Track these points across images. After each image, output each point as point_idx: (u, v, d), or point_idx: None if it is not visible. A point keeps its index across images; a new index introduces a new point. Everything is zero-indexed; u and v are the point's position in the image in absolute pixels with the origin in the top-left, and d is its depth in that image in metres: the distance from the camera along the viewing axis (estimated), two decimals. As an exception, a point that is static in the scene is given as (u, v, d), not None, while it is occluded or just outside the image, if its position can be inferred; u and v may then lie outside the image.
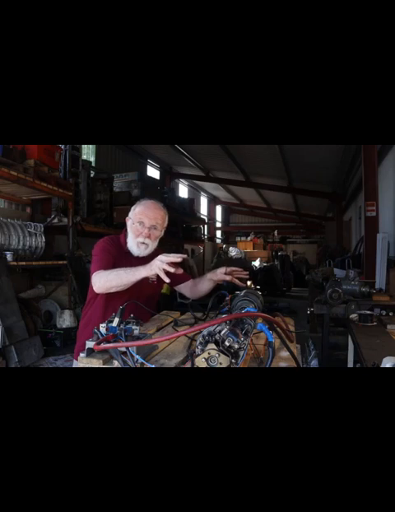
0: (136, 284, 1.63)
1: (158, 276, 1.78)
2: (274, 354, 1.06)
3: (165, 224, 1.82)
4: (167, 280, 1.49)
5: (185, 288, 1.96)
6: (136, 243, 1.74)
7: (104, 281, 1.60)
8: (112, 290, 1.62)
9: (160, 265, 1.46)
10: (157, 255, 1.59)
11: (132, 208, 1.79)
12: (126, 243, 1.79)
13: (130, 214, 1.78)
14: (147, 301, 1.77)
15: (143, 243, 1.74)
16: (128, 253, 1.77)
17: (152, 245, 1.77)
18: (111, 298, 1.69)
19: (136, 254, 1.76)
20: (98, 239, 1.84)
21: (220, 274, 1.81)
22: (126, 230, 1.81)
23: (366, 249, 5.69)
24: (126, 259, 1.73)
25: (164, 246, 1.84)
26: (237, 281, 1.80)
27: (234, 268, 1.82)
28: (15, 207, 5.77)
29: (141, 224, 1.72)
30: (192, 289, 1.94)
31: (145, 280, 1.72)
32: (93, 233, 5.85)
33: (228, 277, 1.79)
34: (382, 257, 4.03)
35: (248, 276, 1.83)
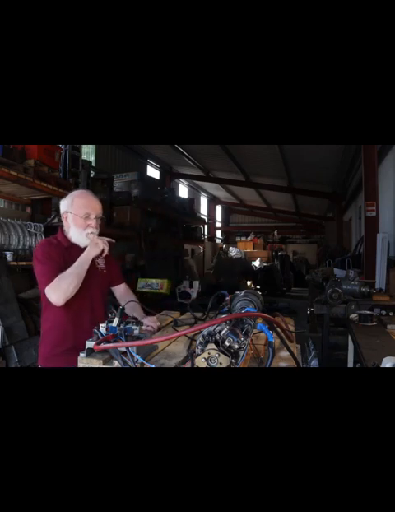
0: (86, 277, 1.69)
1: (106, 265, 1.89)
2: (274, 354, 1.06)
3: None
4: (113, 240, 1.80)
5: (117, 291, 1.97)
6: (84, 235, 1.79)
7: (63, 288, 1.63)
8: (72, 294, 1.64)
9: (100, 240, 1.73)
10: None
11: (66, 202, 1.82)
12: (66, 238, 1.82)
13: (68, 208, 1.80)
14: (102, 295, 1.84)
15: (92, 233, 1.80)
16: (72, 247, 1.79)
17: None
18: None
19: (85, 245, 1.78)
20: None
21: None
22: (62, 227, 1.85)
23: (366, 249, 5.69)
24: (71, 254, 1.75)
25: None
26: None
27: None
28: (15, 207, 5.76)
29: (87, 216, 1.79)
30: (122, 298, 1.93)
31: (94, 270, 1.79)
32: (93, 233, 5.85)
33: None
34: (382, 257, 4.04)
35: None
